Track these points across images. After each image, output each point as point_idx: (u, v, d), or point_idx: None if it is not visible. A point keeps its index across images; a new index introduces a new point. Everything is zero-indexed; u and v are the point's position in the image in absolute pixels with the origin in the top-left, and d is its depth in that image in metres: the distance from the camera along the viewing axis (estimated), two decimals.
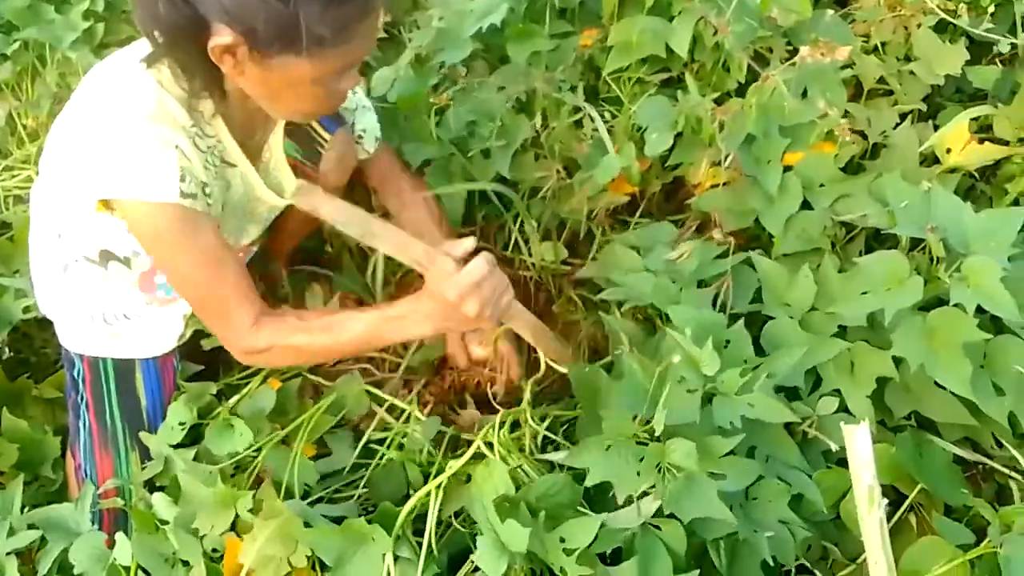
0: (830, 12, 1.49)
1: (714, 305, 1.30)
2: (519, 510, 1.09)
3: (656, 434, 1.08)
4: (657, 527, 1.09)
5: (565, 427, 1.40)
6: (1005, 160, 1.37)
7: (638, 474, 1.07)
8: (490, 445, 1.24)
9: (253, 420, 1.32)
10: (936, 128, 1.43)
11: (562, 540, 1.03)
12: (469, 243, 1.15)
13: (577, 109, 1.51)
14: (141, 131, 1.09)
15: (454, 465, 1.15)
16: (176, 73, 1.10)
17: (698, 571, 1.05)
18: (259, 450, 1.29)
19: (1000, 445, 1.19)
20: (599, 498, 1.18)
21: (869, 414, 1.20)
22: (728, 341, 1.21)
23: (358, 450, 1.37)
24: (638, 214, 1.56)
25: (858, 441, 1.00)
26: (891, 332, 1.17)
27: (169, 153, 1.10)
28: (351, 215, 1.08)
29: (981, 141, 1.37)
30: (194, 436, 1.35)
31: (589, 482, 1.09)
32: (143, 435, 1.32)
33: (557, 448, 1.32)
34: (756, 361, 1.19)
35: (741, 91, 1.47)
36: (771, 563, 1.11)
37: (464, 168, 1.61)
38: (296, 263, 1.73)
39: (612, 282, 1.40)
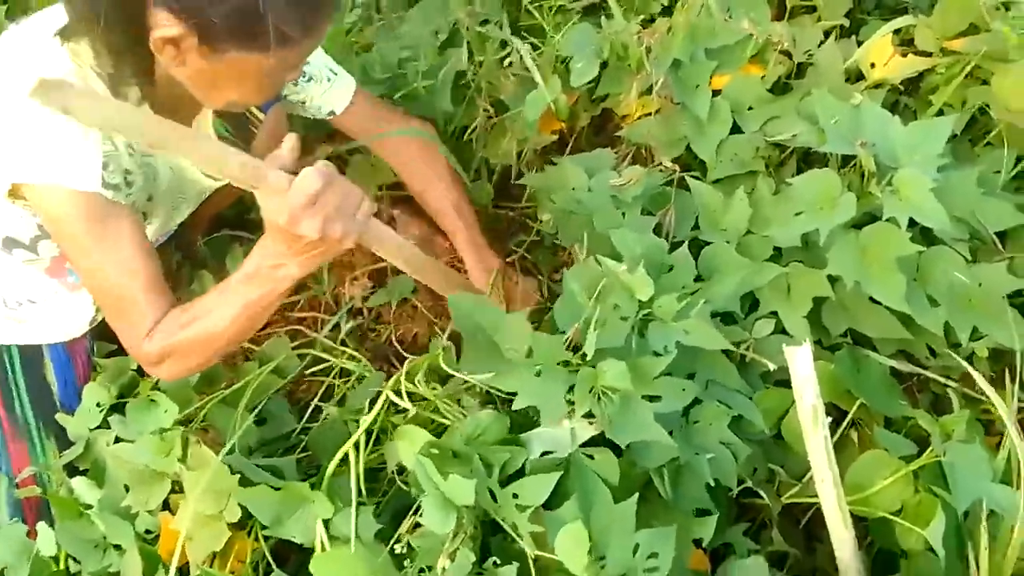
0: None
1: (657, 233, 1.28)
2: (450, 457, 1.06)
3: (588, 359, 1.05)
4: (590, 456, 1.08)
5: None
6: (928, 72, 1.36)
7: (568, 400, 1.04)
8: (410, 396, 1.20)
9: (178, 393, 1.24)
10: (859, 44, 1.41)
11: (515, 496, 1.00)
12: (290, 142, 0.91)
13: (504, 44, 1.44)
14: None
15: (366, 420, 1.10)
16: (100, 54, 0.99)
17: (636, 496, 1.03)
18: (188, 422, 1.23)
19: (934, 355, 1.21)
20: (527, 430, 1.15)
21: (806, 334, 1.20)
22: (671, 267, 1.20)
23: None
24: (568, 151, 1.51)
25: (799, 361, 0.99)
26: (826, 251, 1.16)
27: (92, 135, 1.01)
28: (124, 117, 0.81)
29: (904, 54, 1.36)
30: None
31: (517, 405, 1.05)
32: (60, 417, 1.24)
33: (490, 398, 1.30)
34: (694, 287, 1.18)
35: (666, 14, 1.43)
36: (713, 485, 1.11)
37: None
38: (214, 229, 1.64)
39: (553, 202, 1.36)
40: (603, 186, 1.31)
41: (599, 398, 1.01)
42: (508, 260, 1.53)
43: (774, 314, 1.21)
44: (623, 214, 1.29)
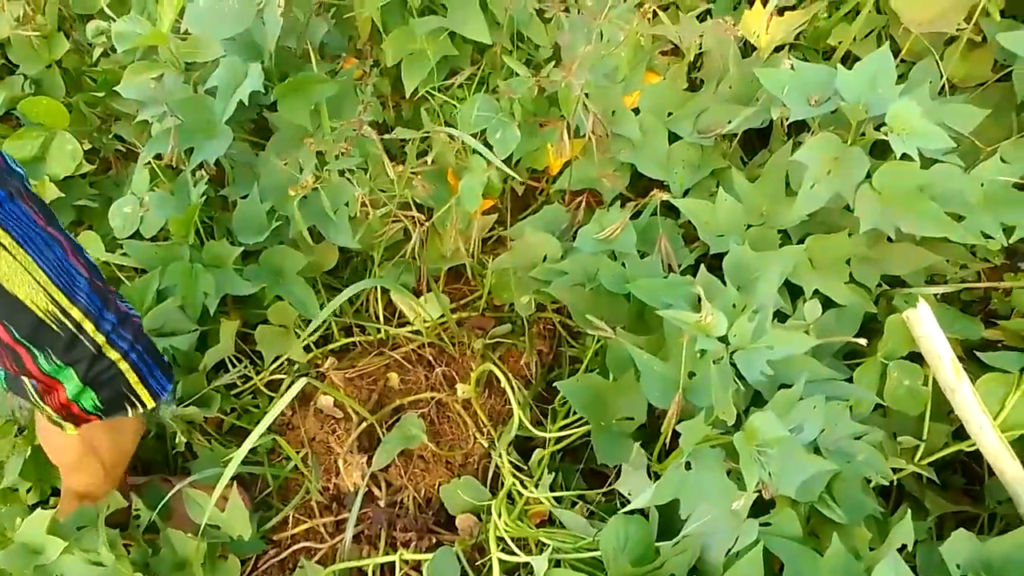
0: None
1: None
2: None
3: (730, 423, 0.95)
4: (766, 524, 0.97)
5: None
6: (810, 25, 1.40)
7: (728, 474, 0.94)
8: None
9: None
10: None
11: None
12: None
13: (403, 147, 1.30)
14: None
15: None
16: None
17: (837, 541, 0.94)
18: None
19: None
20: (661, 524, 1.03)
21: (850, 298, 1.17)
22: (698, 297, 1.11)
23: None
24: (509, 225, 1.39)
25: (925, 322, 0.95)
26: (836, 211, 1.15)
27: None
28: None
29: (780, 12, 1.39)
30: None
31: (686, 511, 0.93)
32: None
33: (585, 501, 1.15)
34: (740, 301, 1.10)
35: (553, 59, 1.36)
36: (870, 481, 1.04)
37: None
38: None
39: (532, 278, 1.23)
40: (589, 244, 1.20)
41: (757, 460, 0.90)
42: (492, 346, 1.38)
43: (816, 292, 1.16)
44: (623, 264, 1.19)
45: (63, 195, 1.47)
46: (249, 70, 1.30)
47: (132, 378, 1.01)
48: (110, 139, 1.61)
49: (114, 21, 1.43)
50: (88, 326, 0.94)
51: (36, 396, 0.97)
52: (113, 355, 0.98)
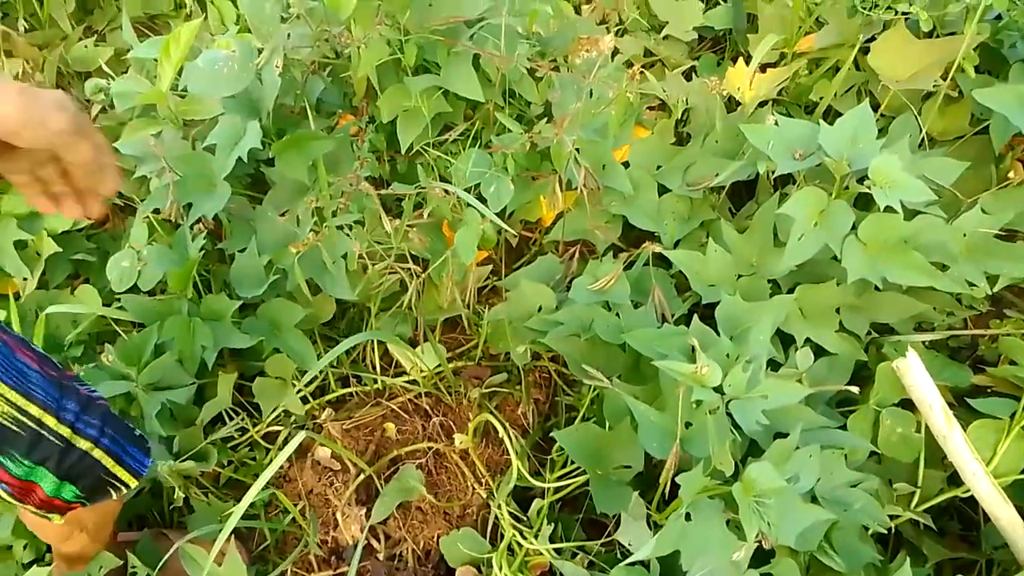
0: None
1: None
2: None
3: (728, 474, 0.96)
4: (767, 574, 0.98)
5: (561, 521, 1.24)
6: (792, 81, 1.45)
7: (728, 524, 0.95)
8: None
9: None
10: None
11: None
12: None
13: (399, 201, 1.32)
14: None
15: None
16: None
17: None
18: None
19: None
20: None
21: (840, 346, 1.20)
22: (692, 348, 1.13)
23: None
24: (504, 275, 1.41)
25: (915, 371, 0.97)
26: (824, 261, 1.18)
27: None
28: None
29: (763, 70, 1.44)
30: None
31: (687, 563, 0.93)
32: None
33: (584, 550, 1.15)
34: (733, 350, 1.12)
35: (543, 116, 1.40)
36: (868, 528, 1.06)
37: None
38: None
39: (528, 328, 1.25)
40: (584, 294, 1.22)
41: (756, 510, 0.91)
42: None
43: (808, 340, 1.19)
44: (617, 314, 1.21)
45: (60, 249, 1.48)
46: (248, 127, 1.33)
47: (108, 463, 0.98)
48: None
49: (113, 79, 1.47)
50: (49, 420, 0.91)
51: (13, 499, 0.95)
52: (84, 444, 0.95)
